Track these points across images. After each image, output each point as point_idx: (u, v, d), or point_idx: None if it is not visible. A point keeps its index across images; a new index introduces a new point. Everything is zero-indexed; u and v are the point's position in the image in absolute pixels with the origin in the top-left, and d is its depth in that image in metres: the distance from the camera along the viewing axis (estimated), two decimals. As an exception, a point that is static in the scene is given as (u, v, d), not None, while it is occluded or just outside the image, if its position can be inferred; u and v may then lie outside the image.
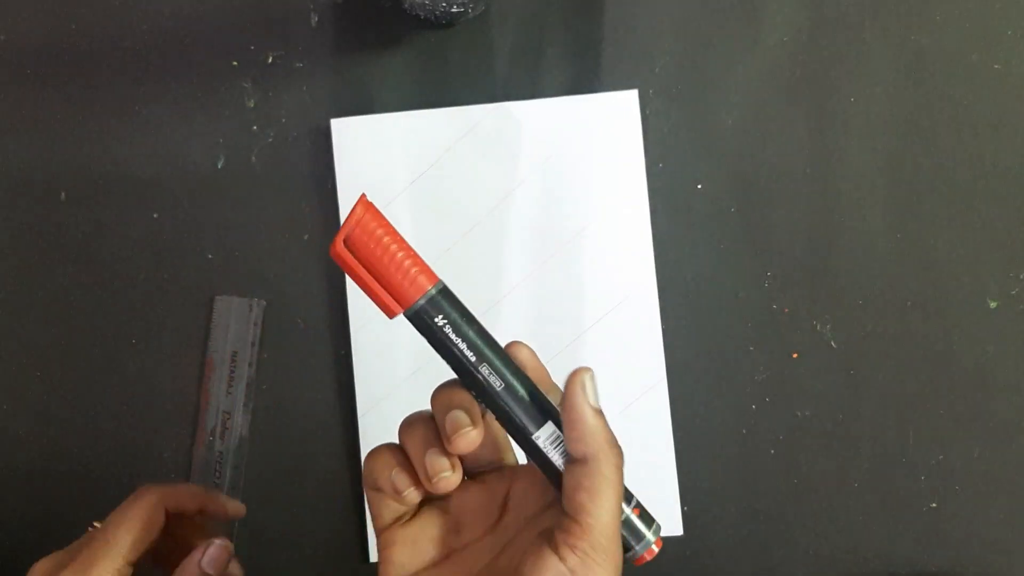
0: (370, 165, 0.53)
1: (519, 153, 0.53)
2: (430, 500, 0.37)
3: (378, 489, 0.36)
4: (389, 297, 0.33)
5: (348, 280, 0.52)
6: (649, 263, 0.52)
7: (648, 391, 0.52)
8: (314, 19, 0.53)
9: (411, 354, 0.52)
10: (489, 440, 0.36)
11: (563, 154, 0.53)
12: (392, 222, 0.52)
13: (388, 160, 0.53)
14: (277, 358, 0.53)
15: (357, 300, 0.53)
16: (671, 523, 0.52)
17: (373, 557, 0.52)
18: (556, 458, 0.34)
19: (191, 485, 0.45)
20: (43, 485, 0.53)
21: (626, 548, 0.34)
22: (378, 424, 0.52)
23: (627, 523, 0.34)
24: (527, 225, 0.52)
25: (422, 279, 0.33)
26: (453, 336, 0.34)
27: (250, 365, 0.53)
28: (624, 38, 0.53)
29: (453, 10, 0.49)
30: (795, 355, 0.52)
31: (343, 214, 0.53)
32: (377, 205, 0.52)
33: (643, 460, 0.52)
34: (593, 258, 0.52)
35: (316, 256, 0.53)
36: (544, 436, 0.34)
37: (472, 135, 0.53)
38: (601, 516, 0.32)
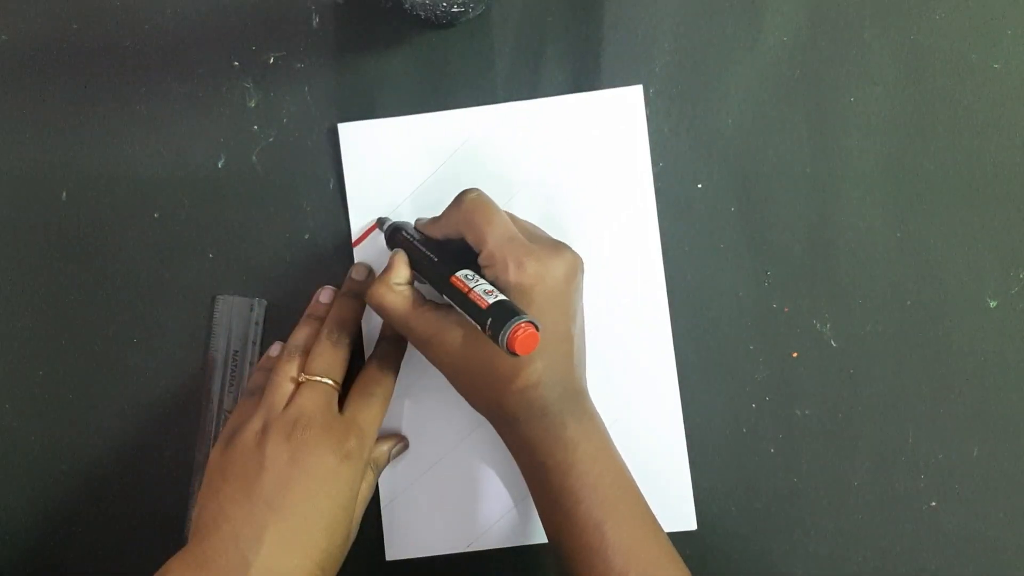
0: (378, 169, 0.53)
1: (526, 152, 0.53)
2: None
3: None
4: None
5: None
6: (657, 255, 0.52)
7: (660, 388, 0.52)
8: (315, 20, 0.54)
9: (411, 352, 0.52)
10: None
11: (570, 151, 0.53)
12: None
13: (395, 164, 0.53)
14: (278, 357, 0.53)
15: (358, 300, 0.52)
16: (685, 518, 0.52)
17: (388, 556, 0.52)
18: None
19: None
20: (45, 484, 0.53)
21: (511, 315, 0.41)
22: (379, 423, 0.52)
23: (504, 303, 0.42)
24: (535, 223, 0.52)
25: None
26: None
27: (251, 364, 0.53)
28: (625, 38, 0.53)
29: (454, 10, 0.49)
30: (795, 355, 0.53)
31: (353, 219, 0.53)
32: (385, 209, 0.53)
33: (656, 456, 0.52)
34: (602, 254, 0.52)
35: (317, 255, 0.53)
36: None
37: (479, 136, 0.53)
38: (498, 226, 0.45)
